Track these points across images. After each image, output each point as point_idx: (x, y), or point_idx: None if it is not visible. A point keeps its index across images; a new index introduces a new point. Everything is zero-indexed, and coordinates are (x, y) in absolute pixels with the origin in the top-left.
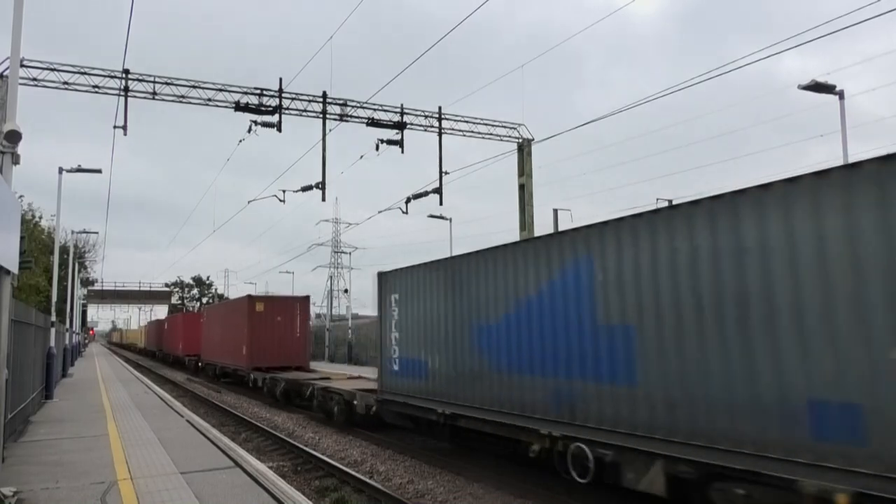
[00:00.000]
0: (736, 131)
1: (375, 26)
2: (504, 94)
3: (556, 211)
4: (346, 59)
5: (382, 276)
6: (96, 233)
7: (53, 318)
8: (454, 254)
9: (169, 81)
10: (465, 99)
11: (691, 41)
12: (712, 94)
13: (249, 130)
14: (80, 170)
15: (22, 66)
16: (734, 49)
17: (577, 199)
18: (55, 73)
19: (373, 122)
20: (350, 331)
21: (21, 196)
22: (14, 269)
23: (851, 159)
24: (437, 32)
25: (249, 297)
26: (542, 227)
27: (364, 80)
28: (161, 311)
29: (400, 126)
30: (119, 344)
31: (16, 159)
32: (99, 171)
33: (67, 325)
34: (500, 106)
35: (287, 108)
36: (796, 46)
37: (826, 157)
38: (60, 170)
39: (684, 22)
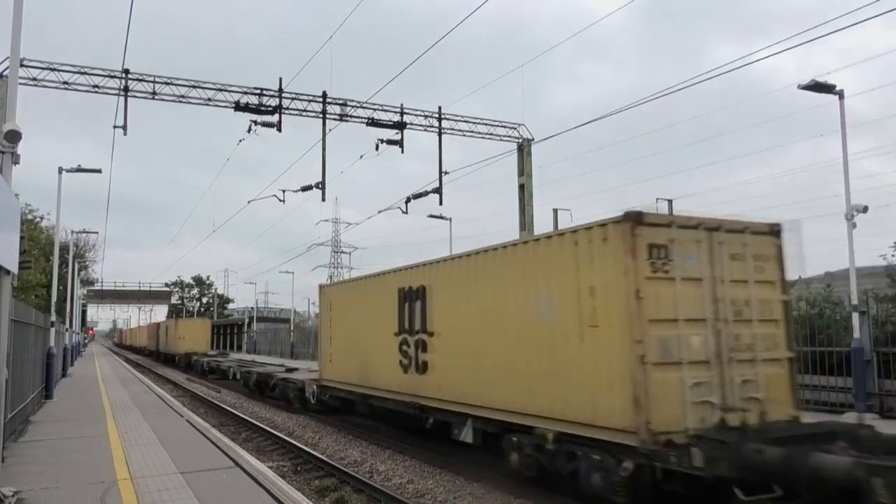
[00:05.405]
0: (731, 133)
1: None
2: (484, 92)
3: (556, 211)
4: (346, 60)
5: None
6: (96, 233)
7: (53, 317)
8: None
9: (169, 81)
10: (460, 99)
11: (656, 31)
12: (690, 90)
13: (249, 130)
14: (80, 170)
15: (22, 66)
16: (699, 37)
17: (572, 199)
18: (55, 72)
19: (373, 122)
20: None
21: (17, 194)
22: (14, 269)
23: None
24: (417, 31)
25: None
26: (542, 226)
27: (362, 80)
28: (161, 311)
29: (400, 126)
30: (136, 348)
31: (16, 159)
32: (99, 171)
33: (67, 324)
34: (477, 104)
35: (287, 108)
36: (780, 53)
37: (814, 154)
38: (60, 170)
39: (648, 14)
